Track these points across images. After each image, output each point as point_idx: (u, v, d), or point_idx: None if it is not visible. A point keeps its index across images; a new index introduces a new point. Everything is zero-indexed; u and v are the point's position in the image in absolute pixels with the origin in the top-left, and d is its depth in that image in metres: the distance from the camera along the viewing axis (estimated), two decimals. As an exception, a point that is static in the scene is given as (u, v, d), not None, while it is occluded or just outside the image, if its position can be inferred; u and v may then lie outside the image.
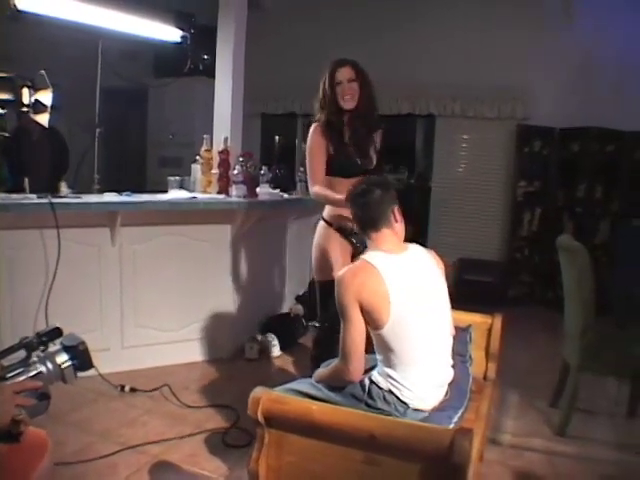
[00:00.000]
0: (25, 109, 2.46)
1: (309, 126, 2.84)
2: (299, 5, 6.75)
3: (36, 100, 2.49)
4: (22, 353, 1.37)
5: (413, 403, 1.90)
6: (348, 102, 2.73)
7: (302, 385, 2.09)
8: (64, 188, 3.40)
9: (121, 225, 3.45)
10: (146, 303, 3.66)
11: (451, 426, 1.84)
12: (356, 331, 1.88)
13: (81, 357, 1.38)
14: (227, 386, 3.51)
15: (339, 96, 2.72)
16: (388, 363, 1.93)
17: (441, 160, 6.59)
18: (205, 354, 3.91)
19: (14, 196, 3.13)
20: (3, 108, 2.42)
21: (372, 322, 1.89)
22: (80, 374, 2.83)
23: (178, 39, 4.25)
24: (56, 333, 1.42)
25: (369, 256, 1.98)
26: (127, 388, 3.28)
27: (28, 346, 1.37)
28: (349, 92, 2.71)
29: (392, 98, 6.43)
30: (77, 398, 3.10)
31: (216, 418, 3.05)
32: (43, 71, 2.61)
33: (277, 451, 1.65)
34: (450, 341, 2.09)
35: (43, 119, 2.55)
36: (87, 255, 3.41)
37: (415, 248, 2.11)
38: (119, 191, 3.61)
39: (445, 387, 2.06)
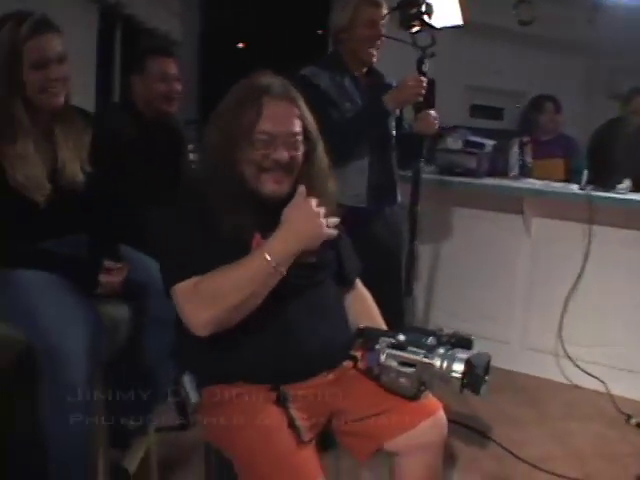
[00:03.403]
0: None
1: None
2: None
3: None
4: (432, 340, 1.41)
5: None
6: None
7: None
8: (624, 184, 3.08)
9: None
10: None
11: None
12: None
13: (472, 379, 1.31)
14: None
15: None
16: None
17: None
18: None
19: (554, 184, 3.07)
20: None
21: None
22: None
23: None
24: (465, 343, 1.41)
25: None
26: (633, 421, 2.75)
27: (438, 338, 1.41)
28: None
29: None
30: (567, 408, 2.88)
31: None
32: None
33: None
34: None
35: None
36: (621, 260, 2.99)
37: None
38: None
39: None
